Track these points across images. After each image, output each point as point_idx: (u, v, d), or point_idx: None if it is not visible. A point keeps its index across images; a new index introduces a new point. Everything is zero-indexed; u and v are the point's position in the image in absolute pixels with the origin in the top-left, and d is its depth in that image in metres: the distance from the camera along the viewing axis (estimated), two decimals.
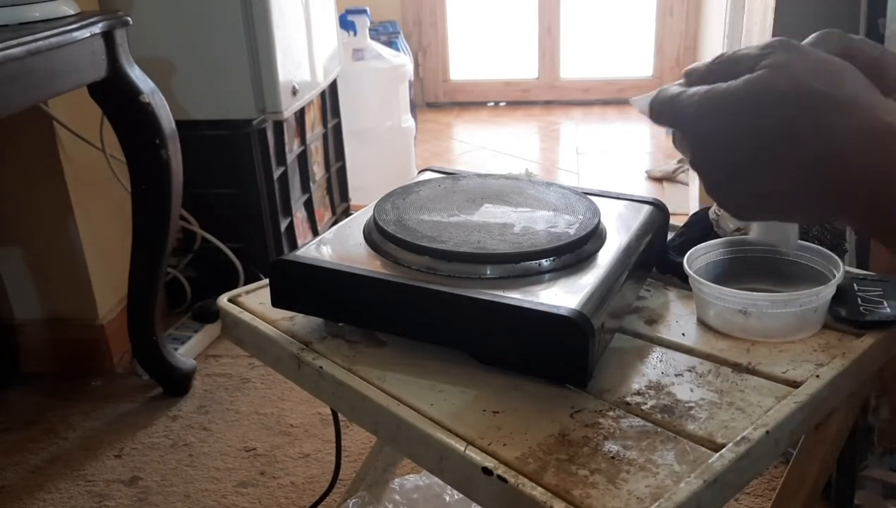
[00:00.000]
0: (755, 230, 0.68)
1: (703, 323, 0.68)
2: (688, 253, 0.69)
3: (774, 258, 0.70)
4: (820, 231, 0.71)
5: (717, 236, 0.74)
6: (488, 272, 0.61)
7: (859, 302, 0.67)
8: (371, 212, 0.70)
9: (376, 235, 0.67)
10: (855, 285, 0.69)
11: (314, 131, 2.12)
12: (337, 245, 0.69)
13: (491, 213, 0.69)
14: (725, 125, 0.47)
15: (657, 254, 0.74)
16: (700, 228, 0.77)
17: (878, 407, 1.14)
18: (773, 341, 0.64)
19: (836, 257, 0.67)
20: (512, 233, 0.65)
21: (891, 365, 0.68)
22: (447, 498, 1.04)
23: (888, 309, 0.65)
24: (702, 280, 0.66)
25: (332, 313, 0.67)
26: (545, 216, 0.69)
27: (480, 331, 0.59)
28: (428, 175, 0.83)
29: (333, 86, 2.26)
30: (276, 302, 0.67)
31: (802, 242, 0.69)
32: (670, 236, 0.78)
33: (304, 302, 0.67)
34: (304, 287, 0.65)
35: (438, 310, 0.59)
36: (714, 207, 0.76)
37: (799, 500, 0.75)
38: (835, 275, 0.65)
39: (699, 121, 0.48)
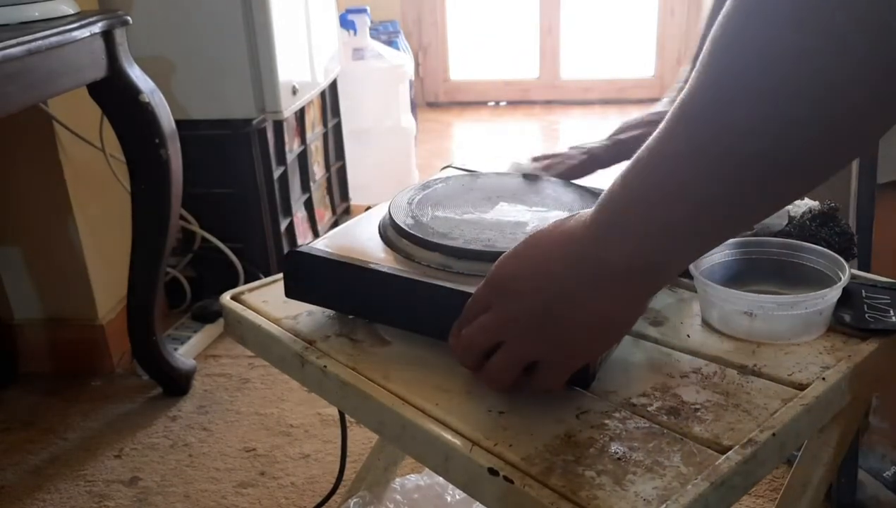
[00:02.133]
0: None
1: (707, 325, 0.67)
2: None
3: (780, 260, 0.70)
4: (829, 234, 0.71)
5: None
6: None
7: (865, 308, 0.66)
8: (387, 208, 0.70)
9: (391, 231, 0.67)
10: (863, 291, 0.69)
11: (314, 131, 2.12)
12: (352, 239, 0.69)
13: (505, 212, 0.69)
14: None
15: None
16: None
17: (878, 407, 1.14)
18: (778, 343, 0.64)
19: (841, 260, 0.66)
20: (524, 231, 0.65)
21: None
22: (448, 498, 1.04)
23: (893, 319, 0.65)
24: (707, 281, 0.66)
25: (343, 306, 0.67)
26: (559, 216, 0.68)
27: None
28: (449, 172, 0.83)
29: (333, 85, 2.25)
30: (289, 293, 0.68)
31: (810, 245, 0.69)
32: None
33: (316, 294, 0.67)
34: (316, 279, 0.66)
35: (447, 307, 0.59)
36: None
37: (803, 504, 0.74)
38: (840, 278, 0.65)
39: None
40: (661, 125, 0.45)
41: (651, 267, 0.47)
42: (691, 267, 0.67)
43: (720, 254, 0.70)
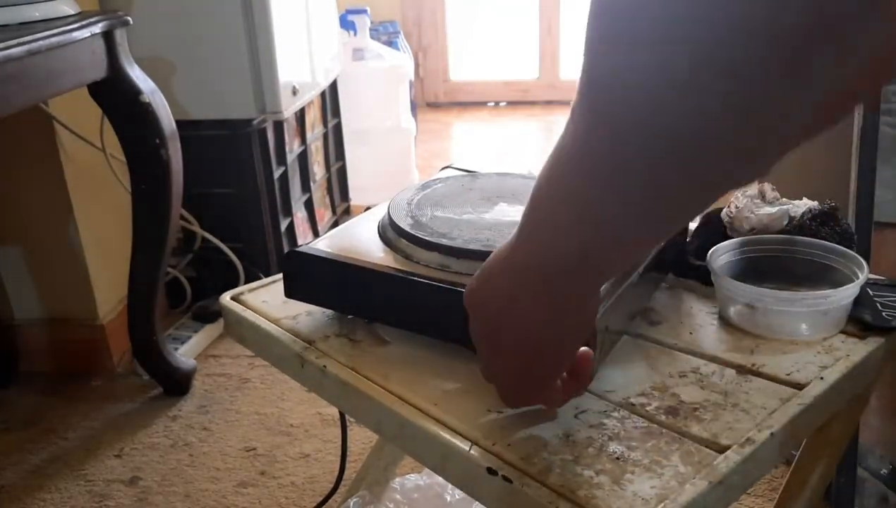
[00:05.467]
0: None
1: (721, 320, 0.68)
2: (711, 250, 0.69)
3: (813, 260, 0.70)
4: (829, 233, 0.71)
5: (732, 237, 0.74)
6: None
7: (879, 307, 0.66)
8: (387, 208, 0.70)
9: (390, 231, 0.67)
10: (870, 290, 0.69)
11: (314, 131, 2.12)
12: (351, 239, 0.69)
13: (505, 212, 0.70)
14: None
15: (674, 258, 0.74)
16: (714, 231, 0.77)
17: (878, 407, 1.14)
18: (781, 339, 0.64)
19: (861, 260, 0.66)
20: None
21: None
22: (448, 498, 1.04)
23: None
24: (718, 273, 0.66)
25: (342, 306, 0.67)
26: None
27: None
28: (449, 172, 0.84)
29: (333, 86, 2.26)
30: (289, 293, 0.68)
31: (842, 248, 0.69)
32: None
33: (316, 294, 0.67)
34: (316, 279, 0.66)
35: (446, 307, 0.59)
36: (726, 209, 0.76)
37: (802, 503, 0.75)
38: (852, 281, 0.65)
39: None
40: None
41: (553, 271, 0.44)
42: (708, 260, 0.68)
43: (733, 252, 0.71)
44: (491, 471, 0.50)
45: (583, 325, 0.48)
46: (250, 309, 0.73)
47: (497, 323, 0.48)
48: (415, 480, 1.06)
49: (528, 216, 0.45)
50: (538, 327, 0.47)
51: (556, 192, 0.42)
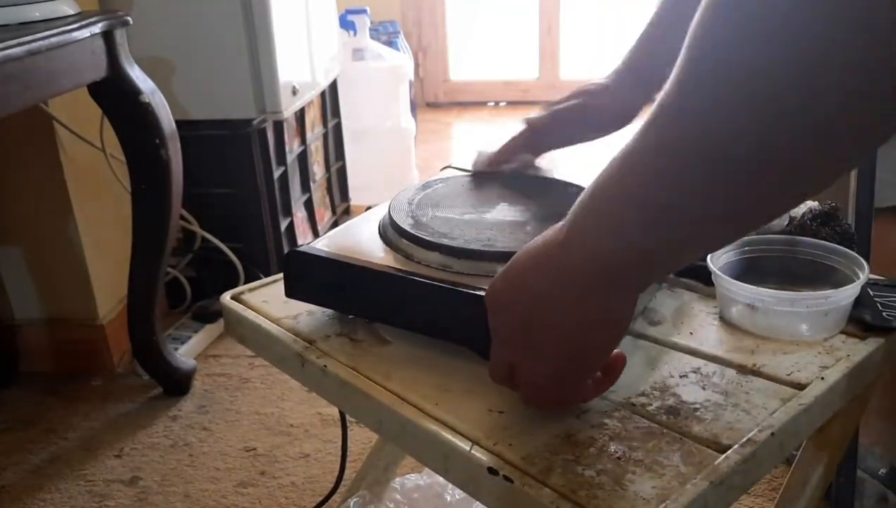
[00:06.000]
0: None
1: (721, 320, 0.68)
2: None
3: (815, 261, 0.70)
4: (830, 233, 0.71)
5: None
6: (497, 270, 0.61)
7: (880, 307, 0.66)
8: (387, 208, 0.70)
9: (391, 231, 0.67)
10: (870, 290, 0.69)
11: (314, 131, 2.12)
12: (352, 238, 0.69)
13: (506, 212, 0.70)
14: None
15: None
16: None
17: (877, 407, 1.14)
18: (781, 339, 0.64)
19: (863, 261, 0.66)
20: (524, 231, 0.65)
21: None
22: (448, 498, 1.04)
23: None
24: (719, 272, 0.66)
25: (343, 305, 0.67)
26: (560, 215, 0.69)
27: (486, 328, 0.59)
28: (449, 172, 0.84)
29: (333, 86, 2.26)
30: (289, 293, 0.68)
31: (842, 248, 0.69)
32: None
33: (316, 294, 0.67)
34: (316, 279, 0.66)
35: (447, 307, 0.59)
36: None
37: (802, 503, 0.74)
38: (853, 281, 0.65)
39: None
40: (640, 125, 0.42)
41: (609, 271, 0.45)
42: (709, 261, 0.68)
43: (734, 251, 0.71)
44: (492, 471, 0.50)
45: (623, 326, 0.49)
46: (251, 308, 0.73)
47: (529, 325, 0.48)
48: (415, 480, 1.06)
49: (583, 215, 0.45)
50: (582, 328, 0.47)
51: (621, 192, 0.43)
